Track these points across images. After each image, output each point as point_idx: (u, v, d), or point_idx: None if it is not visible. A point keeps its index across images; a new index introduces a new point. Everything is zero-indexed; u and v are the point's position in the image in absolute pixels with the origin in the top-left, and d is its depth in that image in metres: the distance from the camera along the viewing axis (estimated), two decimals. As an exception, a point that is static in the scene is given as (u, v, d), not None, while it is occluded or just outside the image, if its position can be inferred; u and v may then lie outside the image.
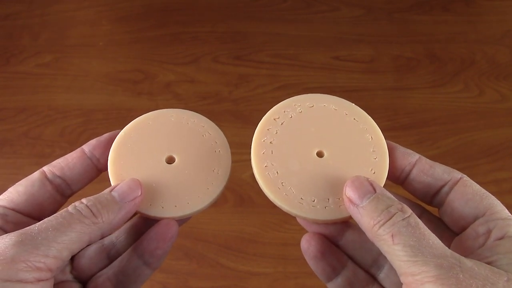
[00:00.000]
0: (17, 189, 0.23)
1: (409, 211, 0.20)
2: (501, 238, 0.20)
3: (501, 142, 0.60)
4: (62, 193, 0.24)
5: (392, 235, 0.19)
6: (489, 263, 0.19)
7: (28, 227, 0.20)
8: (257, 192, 0.55)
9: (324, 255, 0.24)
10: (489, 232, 0.21)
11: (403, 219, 0.20)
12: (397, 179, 0.24)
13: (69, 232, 0.20)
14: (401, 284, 0.19)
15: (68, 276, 0.24)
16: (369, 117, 0.25)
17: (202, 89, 0.65)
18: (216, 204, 0.60)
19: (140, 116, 0.26)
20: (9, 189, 0.23)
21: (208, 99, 0.63)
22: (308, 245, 0.24)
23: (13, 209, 0.23)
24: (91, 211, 0.21)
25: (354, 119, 0.24)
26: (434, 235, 0.20)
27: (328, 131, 0.24)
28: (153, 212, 0.24)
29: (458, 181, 0.23)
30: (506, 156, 0.58)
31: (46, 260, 0.19)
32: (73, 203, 0.21)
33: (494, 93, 0.64)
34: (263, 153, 0.24)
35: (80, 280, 0.24)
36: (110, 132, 0.26)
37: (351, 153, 0.24)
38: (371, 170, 0.23)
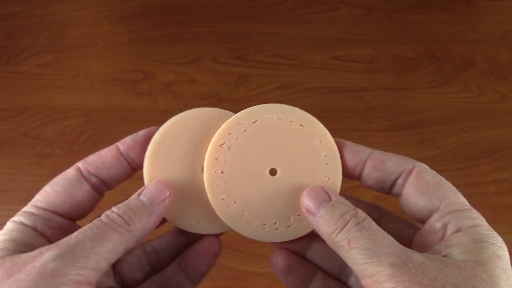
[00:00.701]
0: (54, 189, 0.23)
1: (363, 215, 0.21)
2: (455, 232, 0.21)
3: (501, 142, 0.60)
4: (98, 191, 0.24)
5: (348, 241, 0.20)
6: (444, 257, 0.20)
7: (65, 239, 0.20)
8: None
9: (291, 269, 0.25)
10: (444, 227, 0.21)
11: (357, 224, 0.20)
12: (351, 177, 0.24)
13: (106, 242, 0.20)
14: None
15: (112, 281, 0.24)
16: (315, 119, 0.24)
17: (202, 89, 0.65)
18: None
19: (176, 116, 0.24)
20: (45, 188, 0.23)
21: (208, 99, 0.63)
22: (276, 261, 0.25)
23: (53, 211, 0.22)
24: (123, 219, 0.21)
25: (300, 125, 0.23)
26: (388, 234, 0.20)
27: (277, 145, 0.23)
28: (191, 229, 0.24)
29: (411, 171, 0.23)
30: (506, 156, 0.58)
31: (85, 273, 0.19)
32: (104, 212, 0.21)
33: (494, 93, 0.64)
34: (217, 185, 0.23)
35: (124, 286, 0.25)
36: (146, 130, 0.24)
37: (303, 163, 0.23)
38: (325, 177, 0.23)
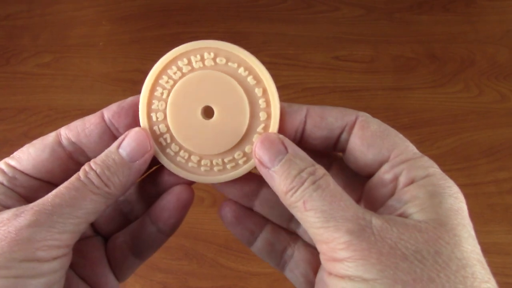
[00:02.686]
0: (29, 150, 0.22)
1: (321, 172, 0.19)
2: (409, 184, 0.19)
3: (501, 142, 0.60)
4: (76, 160, 0.23)
5: (304, 202, 0.18)
6: (400, 215, 0.19)
7: (41, 202, 0.19)
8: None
9: (239, 220, 0.24)
10: (396, 179, 0.20)
11: (314, 183, 0.19)
12: (292, 141, 0.22)
13: (84, 206, 0.19)
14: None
15: (89, 230, 0.24)
16: (262, 66, 0.22)
17: (202, 89, 0.65)
18: (216, 204, 0.60)
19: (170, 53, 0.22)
20: (23, 147, 0.22)
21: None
22: (224, 212, 0.24)
23: (22, 172, 0.21)
24: (101, 180, 0.20)
25: (245, 71, 0.22)
26: (346, 195, 0.19)
27: (216, 87, 0.22)
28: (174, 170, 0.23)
29: (354, 123, 0.21)
30: (506, 156, 0.58)
31: (63, 237, 0.18)
32: (83, 168, 0.20)
33: (494, 93, 0.64)
34: (156, 128, 0.22)
35: (101, 234, 0.24)
36: (133, 97, 0.23)
37: (240, 106, 0.22)
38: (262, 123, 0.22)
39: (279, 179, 0.19)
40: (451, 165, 0.58)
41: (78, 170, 0.22)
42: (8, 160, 0.22)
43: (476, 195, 0.55)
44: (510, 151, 0.59)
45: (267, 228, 0.24)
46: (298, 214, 0.19)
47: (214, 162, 0.22)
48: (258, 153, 0.20)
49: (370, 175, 0.21)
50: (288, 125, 0.22)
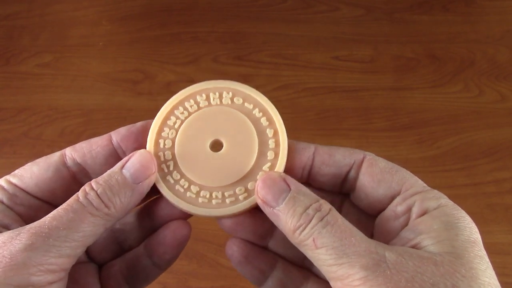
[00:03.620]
0: (32, 169, 0.22)
1: (327, 207, 0.19)
2: (422, 215, 0.19)
3: (501, 142, 0.60)
4: (79, 182, 0.22)
5: (313, 239, 0.18)
6: (414, 246, 0.19)
7: (38, 225, 0.18)
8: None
9: (248, 259, 0.23)
10: (409, 210, 0.20)
11: (322, 219, 0.18)
12: (300, 178, 0.22)
13: (82, 229, 0.19)
14: None
15: (83, 257, 0.23)
16: (271, 105, 0.23)
17: (202, 89, 0.65)
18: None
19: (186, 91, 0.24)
20: (26, 165, 0.22)
21: (208, 99, 0.63)
22: (231, 251, 0.23)
23: (23, 190, 0.21)
24: (102, 201, 0.19)
25: (259, 112, 0.23)
26: (356, 229, 0.19)
27: (225, 124, 0.23)
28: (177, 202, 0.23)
29: (362, 161, 0.21)
30: (506, 156, 0.58)
31: (59, 261, 0.18)
32: (83, 188, 0.20)
33: (494, 93, 0.64)
34: (163, 159, 0.23)
35: (94, 261, 0.24)
36: (143, 122, 0.22)
37: (248, 144, 0.22)
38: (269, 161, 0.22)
39: (285, 218, 0.19)
40: (451, 165, 0.58)
41: None
42: (9, 177, 0.22)
43: (476, 195, 0.55)
44: (510, 151, 0.59)
45: (279, 267, 0.23)
46: (309, 252, 0.19)
47: (213, 195, 0.22)
48: (261, 193, 0.20)
49: (380, 212, 0.21)
50: (296, 161, 0.22)
